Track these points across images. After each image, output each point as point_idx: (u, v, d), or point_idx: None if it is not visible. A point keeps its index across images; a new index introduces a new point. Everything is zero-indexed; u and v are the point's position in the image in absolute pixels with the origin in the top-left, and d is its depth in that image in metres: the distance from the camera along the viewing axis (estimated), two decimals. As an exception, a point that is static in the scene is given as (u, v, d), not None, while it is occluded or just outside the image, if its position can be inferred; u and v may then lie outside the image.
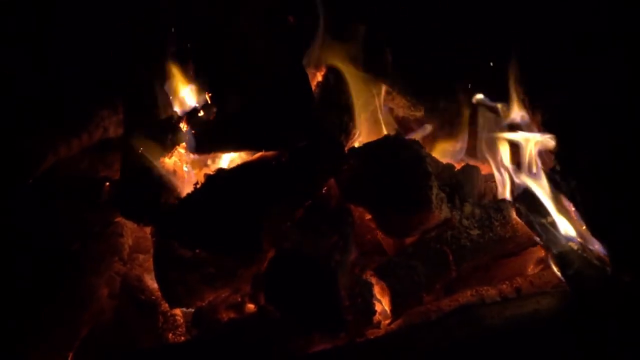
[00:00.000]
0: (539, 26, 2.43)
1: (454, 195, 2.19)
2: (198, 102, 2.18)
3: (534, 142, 2.29)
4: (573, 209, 2.13)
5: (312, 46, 2.27)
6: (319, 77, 2.32)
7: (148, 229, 2.24)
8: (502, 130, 2.42)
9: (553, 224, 2.12)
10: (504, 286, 2.08)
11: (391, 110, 2.56)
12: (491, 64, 2.50)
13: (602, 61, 2.23)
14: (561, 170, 2.13)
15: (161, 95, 2.22)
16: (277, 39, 2.24)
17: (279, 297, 1.95)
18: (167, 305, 2.09)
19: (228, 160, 2.31)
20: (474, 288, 2.07)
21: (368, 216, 2.15)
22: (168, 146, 2.14)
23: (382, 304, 2.03)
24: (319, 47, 2.28)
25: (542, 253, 2.16)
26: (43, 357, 2.03)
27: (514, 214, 2.17)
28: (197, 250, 2.01)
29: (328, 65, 2.32)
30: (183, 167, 2.25)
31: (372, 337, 1.96)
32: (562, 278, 2.04)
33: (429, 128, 2.57)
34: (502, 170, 2.33)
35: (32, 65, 2.39)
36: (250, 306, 2.09)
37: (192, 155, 2.23)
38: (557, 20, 2.40)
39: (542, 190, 2.18)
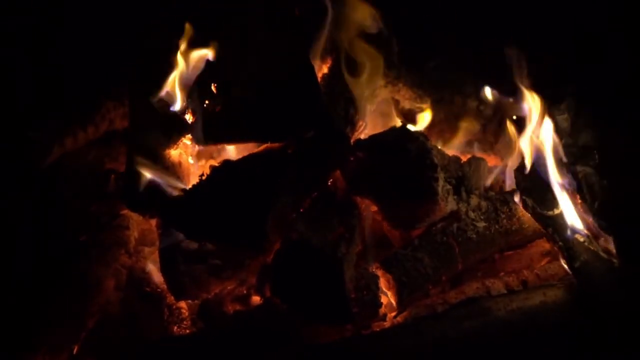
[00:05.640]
0: (545, 17, 2.42)
1: (460, 187, 2.19)
2: (204, 94, 2.17)
3: (540, 134, 2.28)
4: (580, 201, 2.12)
5: (318, 37, 2.26)
6: (325, 68, 2.31)
7: (154, 222, 2.24)
8: (509, 122, 2.41)
9: (560, 216, 2.11)
10: (510, 278, 2.07)
11: (397, 102, 2.56)
12: (497, 55, 2.49)
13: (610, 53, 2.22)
14: (568, 162, 2.13)
15: (167, 86, 2.21)
16: (283, 30, 2.23)
17: (285, 288, 1.95)
18: (172, 297, 2.09)
19: (234, 151, 2.31)
20: (480, 280, 2.07)
21: (374, 208, 2.15)
22: (173, 138, 2.14)
23: (388, 297, 2.03)
24: (325, 39, 2.27)
25: (548, 245, 2.15)
26: (49, 348, 2.02)
27: (520, 206, 2.17)
28: (203, 242, 2.01)
29: (334, 57, 2.31)
30: (188, 159, 2.25)
31: (378, 329, 1.96)
32: (568, 270, 2.04)
33: None
34: (509, 162, 2.32)
35: (37, 56, 2.39)
36: (256, 298, 2.10)
37: (197, 147, 2.23)
38: (563, 10, 2.40)
39: (548, 182, 2.17)
